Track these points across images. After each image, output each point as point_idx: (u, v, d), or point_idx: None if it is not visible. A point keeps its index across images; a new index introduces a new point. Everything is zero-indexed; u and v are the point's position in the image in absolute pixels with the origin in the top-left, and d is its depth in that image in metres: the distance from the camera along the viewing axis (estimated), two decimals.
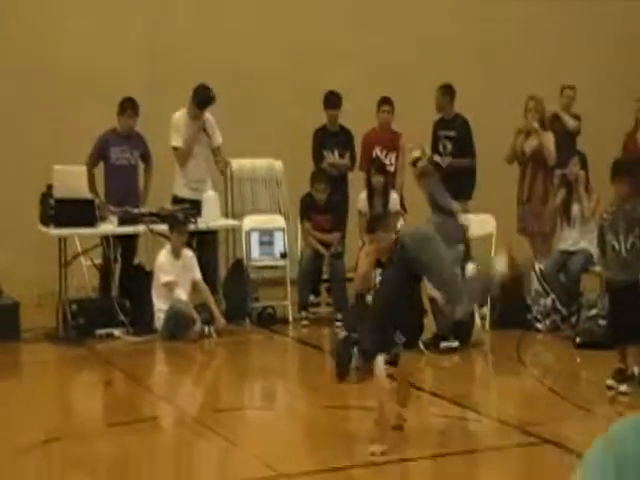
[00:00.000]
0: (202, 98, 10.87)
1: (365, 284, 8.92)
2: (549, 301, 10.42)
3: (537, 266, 10.67)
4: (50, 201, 10.26)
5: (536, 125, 11.27)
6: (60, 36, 11.96)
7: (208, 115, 11.03)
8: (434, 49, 13.26)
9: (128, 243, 10.68)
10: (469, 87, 12.16)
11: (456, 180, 11.39)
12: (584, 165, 10.62)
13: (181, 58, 12.22)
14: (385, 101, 11.73)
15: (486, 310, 10.54)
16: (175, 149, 10.99)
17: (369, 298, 9.18)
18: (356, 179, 11.69)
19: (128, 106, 10.82)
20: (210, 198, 10.91)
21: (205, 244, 10.93)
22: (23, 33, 11.90)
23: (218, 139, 11.13)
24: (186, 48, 12.32)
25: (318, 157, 11.65)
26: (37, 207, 10.46)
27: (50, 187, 10.30)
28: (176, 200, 11.02)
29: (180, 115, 10.99)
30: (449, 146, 11.72)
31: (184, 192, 11.07)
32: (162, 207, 10.77)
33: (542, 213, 11.17)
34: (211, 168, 11.24)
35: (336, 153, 11.69)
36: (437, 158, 11.63)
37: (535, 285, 10.59)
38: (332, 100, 11.60)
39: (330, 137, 11.71)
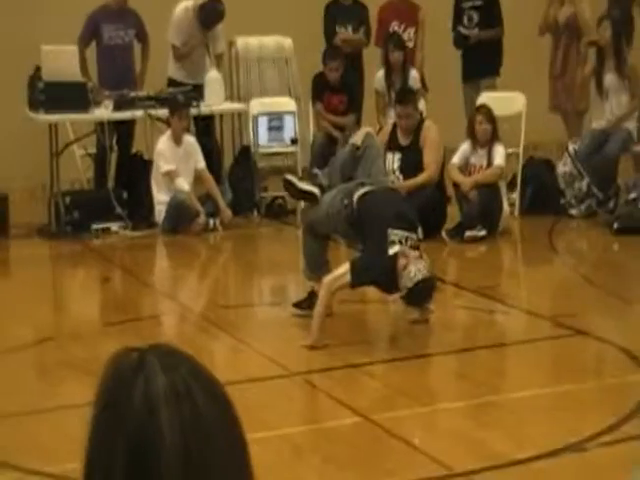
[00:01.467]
0: (209, 16, 10.69)
1: None
2: (584, 185, 10.31)
3: (571, 147, 10.54)
4: (39, 84, 10.17)
5: None
6: None
7: None
8: None
9: (125, 130, 10.60)
10: None
11: (482, 55, 11.26)
12: (617, 29, 10.42)
13: None
14: None
15: (515, 195, 10.45)
16: (173, 47, 10.86)
17: None
18: (372, 56, 11.51)
19: None
20: (213, 79, 10.78)
21: (209, 130, 10.84)
22: None
23: (221, 46, 11.08)
24: None
25: (330, 33, 11.50)
26: (25, 91, 10.34)
27: (38, 69, 10.21)
28: (172, 83, 10.91)
29: (184, 11, 10.80)
30: (475, 17, 11.52)
31: (180, 75, 10.94)
32: (161, 90, 10.68)
33: (577, 88, 11.03)
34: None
35: (350, 28, 11.56)
36: (464, 30, 11.45)
37: (569, 167, 10.47)
38: None
39: (343, 11, 11.57)
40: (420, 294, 6.62)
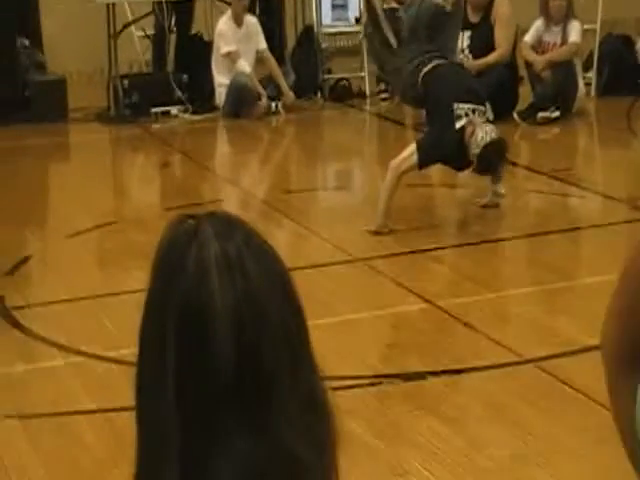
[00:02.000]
0: None
1: None
2: None
3: None
4: None
5: None
6: None
7: None
8: None
9: (184, 9, 10.56)
10: None
11: None
12: None
13: None
14: None
15: (592, 74, 10.27)
16: None
17: None
18: None
19: None
20: None
21: (270, 9, 10.74)
22: None
23: None
24: None
25: None
26: None
27: None
28: None
29: None
30: None
31: None
32: None
33: None
34: None
35: None
36: None
37: None
38: None
39: None
40: (490, 158, 6.56)
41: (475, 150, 6.45)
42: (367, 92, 10.75)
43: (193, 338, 1.43)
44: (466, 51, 9.57)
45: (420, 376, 4.80)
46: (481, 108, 6.64)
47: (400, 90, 7.49)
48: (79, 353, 5.13)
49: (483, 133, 6.45)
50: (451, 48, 7.27)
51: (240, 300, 1.43)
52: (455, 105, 6.60)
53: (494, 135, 6.50)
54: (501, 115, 8.45)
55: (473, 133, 6.46)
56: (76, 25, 10.86)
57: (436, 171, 7.72)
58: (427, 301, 5.74)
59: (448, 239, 6.85)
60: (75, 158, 9.78)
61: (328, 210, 7.92)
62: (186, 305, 1.43)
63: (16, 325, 5.55)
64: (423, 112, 7.43)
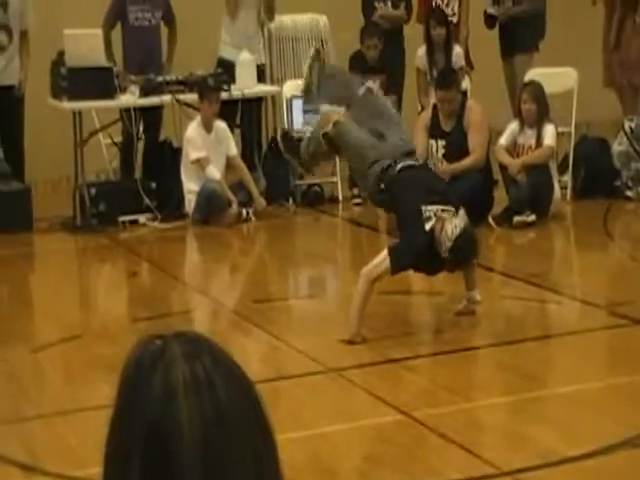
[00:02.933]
0: None
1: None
2: None
3: (627, 124, 10.51)
4: (62, 70, 10.25)
5: None
6: None
7: None
8: None
9: (152, 116, 10.67)
10: None
11: (516, 30, 11.28)
12: None
13: None
14: None
15: (567, 178, 10.43)
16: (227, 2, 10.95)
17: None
18: (412, 33, 11.51)
19: None
20: (245, 61, 10.83)
21: (242, 115, 10.87)
22: None
23: None
24: None
25: (368, 8, 11.53)
26: (47, 78, 10.43)
27: (61, 54, 10.29)
28: (222, 63, 10.97)
29: None
30: None
31: (231, 52, 10.97)
32: (190, 73, 10.70)
33: (633, 62, 10.98)
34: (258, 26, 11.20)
35: (389, 3, 11.56)
36: (490, 10, 11.50)
37: (624, 146, 10.43)
38: None
39: None
40: (463, 248, 6.64)
41: (447, 244, 6.54)
42: (340, 197, 10.85)
43: (158, 464, 1.43)
44: (441, 160, 9.74)
45: None
46: (450, 208, 6.75)
47: (367, 193, 7.67)
48: (44, 474, 5.12)
49: (452, 226, 6.55)
50: (401, 138, 7.38)
51: (208, 425, 1.44)
52: (423, 208, 6.72)
53: (462, 225, 6.60)
54: (476, 219, 8.57)
55: (442, 228, 6.57)
56: (42, 132, 10.91)
57: (410, 278, 7.80)
58: (402, 412, 5.77)
59: (423, 348, 6.92)
60: (40, 268, 9.81)
61: (300, 319, 7.97)
62: (152, 431, 1.44)
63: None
64: (393, 216, 7.57)
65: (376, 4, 11.54)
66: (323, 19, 11.88)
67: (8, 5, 10.51)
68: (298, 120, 11.01)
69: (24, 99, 10.61)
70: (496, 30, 11.64)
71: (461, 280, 7.18)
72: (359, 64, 11.12)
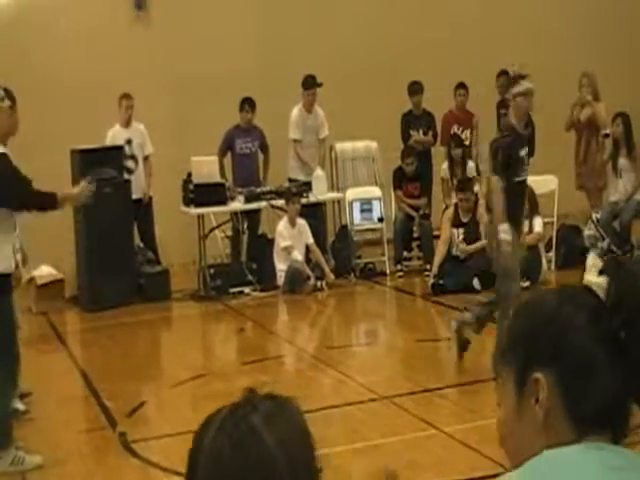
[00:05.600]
0: (307, 80, 10.85)
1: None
2: (605, 244, 10.17)
3: (594, 216, 10.43)
4: (190, 186, 10.35)
5: (589, 97, 11.00)
6: (200, 46, 11.93)
7: (318, 109, 11.00)
8: (500, 40, 12.89)
9: (252, 216, 10.72)
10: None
11: None
12: (627, 124, 10.37)
13: (291, 60, 12.06)
14: (461, 86, 11.62)
15: (551, 254, 10.35)
16: (294, 141, 10.95)
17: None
18: (437, 152, 11.55)
19: (246, 104, 10.89)
20: (319, 176, 10.89)
21: (316, 214, 10.92)
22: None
23: (324, 131, 11.09)
24: (296, 51, 12.18)
25: (406, 136, 11.58)
26: (180, 191, 10.53)
27: (190, 174, 10.39)
28: (291, 181, 10.98)
29: (296, 111, 10.96)
30: None
31: (297, 174, 11.04)
32: (280, 185, 10.77)
33: (597, 171, 10.93)
34: (319, 154, 11.17)
35: (421, 132, 11.60)
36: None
37: (593, 231, 10.34)
38: (415, 88, 11.52)
39: (415, 119, 11.62)
40: None
41: None
42: (387, 271, 10.78)
43: None
44: (462, 241, 9.75)
45: None
46: None
47: None
48: (176, 474, 5.15)
49: None
50: None
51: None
52: None
53: None
54: (487, 286, 8.52)
55: None
56: (176, 230, 11.00)
57: (441, 327, 7.71)
58: (435, 428, 5.73)
59: (446, 379, 6.85)
60: (176, 327, 9.81)
61: (360, 360, 7.93)
62: None
63: (134, 455, 5.59)
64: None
65: (411, 132, 11.59)
66: (374, 144, 11.92)
67: (132, 140, 10.67)
68: (357, 217, 11.06)
69: (152, 206, 10.62)
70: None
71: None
72: (400, 176, 11.18)
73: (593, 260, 9.66)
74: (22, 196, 5.47)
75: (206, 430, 1.40)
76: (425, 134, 11.59)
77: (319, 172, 10.90)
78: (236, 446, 1.36)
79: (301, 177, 10.95)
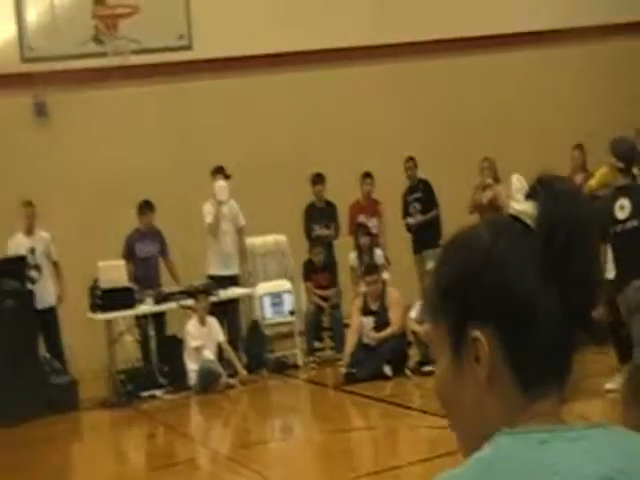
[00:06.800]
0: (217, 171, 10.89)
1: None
2: None
3: None
4: (97, 292, 10.16)
5: (490, 180, 11.25)
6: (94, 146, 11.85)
7: (233, 202, 10.97)
8: (404, 127, 13.09)
9: (159, 318, 10.54)
10: (431, 157, 12.11)
11: (424, 233, 11.43)
12: None
13: (200, 153, 12.03)
14: (367, 175, 11.75)
15: None
16: (209, 225, 10.86)
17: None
18: (344, 243, 11.55)
19: (145, 207, 10.81)
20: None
21: (230, 310, 10.79)
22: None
23: (242, 220, 11.07)
24: (203, 141, 12.18)
25: (309, 230, 11.60)
26: (86, 298, 10.30)
27: (96, 280, 10.21)
28: (210, 278, 10.80)
29: (209, 204, 10.91)
30: (417, 205, 11.74)
31: (216, 269, 10.88)
32: (190, 285, 10.60)
33: None
34: (236, 245, 11.08)
35: (323, 225, 11.59)
36: (409, 220, 11.66)
37: None
38: (316, 179, 11.62)
39: (318, 212, 11.66)
40: None
41: None
42: (300, 363, 10.61)
43: None
44: (372, 329, 9.69)
45: None
46: None
47: None
48: None
49: None
50: None
51: None
52: None
53: None
54: (397, 371, 8.48)
55: None
56: (84, 337, 10.65)
57: (353, 417, 7.59)
58: None
59: (359, 469, 6.70)
60: (86, 438, 9.54)
61: (275, 457, 7.75)
62: None
63: None
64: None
65: (313, 225, 11.59)
66: (282, 238, 11.86)
67: (36, 249, 10.36)
68: (268, 311, 10.94)
69: (57, 315, 10.34)
70: (405, 236, 11.73)
71: None
72: (309, 267, 11.16)
73: (518, 183, 9.69)
74: None
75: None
76: (327, 227, 11.59)
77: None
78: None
79: (221, 271, 10.80)
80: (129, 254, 10.77)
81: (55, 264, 10.52)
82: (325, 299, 11.02)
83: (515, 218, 1.26)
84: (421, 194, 11.73)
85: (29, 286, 10.11)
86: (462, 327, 1.24)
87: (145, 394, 9.88)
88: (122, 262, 10.44)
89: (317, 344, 11.06)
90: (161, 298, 10.37)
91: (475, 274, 1.24)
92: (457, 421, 1.27)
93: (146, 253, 10.82)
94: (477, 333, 1.23)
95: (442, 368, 1.27)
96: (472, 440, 1.23)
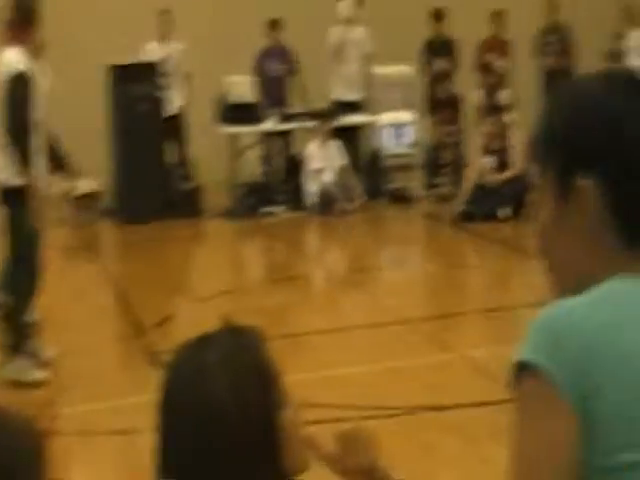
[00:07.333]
0: None
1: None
2: None
3: None
4: (223, 105, 10.29)
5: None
6: None
7: (360, 27, 10.76)
8: None
9: (285, 137, 10.66)
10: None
11: (556, 78, 11.07)
12: None
13: None
14: (496, 13, 11.34)
15: None
16: (333, 48, 10.70)
17: None
18: (468, 80, 11.28)
19: (275, 24, 10.79)
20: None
21: (348, 137, 10.83)
22: None
23: (369, 47, 10.84)
24: None
25: (429, 64, 11.35)
26: (213, 111, 10.47)
27: (223, 94, 10.33)
28: (333, 103, 10.76)
29: (335, 27, 10.73)
30: (552, 49, 11.33)
31: (340, 94, 10.79)
32: (313, 107, 10.64)
33: None
34: (361, 72, 10.93)
35: (443, 60, 11.31)
36: (544, 60, 11.28)
37: None
38: (438, 14, 11.29)
39: (438, 46, 11.36)
40: None
41: None
42: (417, 197, 10.61)
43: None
44: (492, 169, 9.62)
45: None
46: None
47: None
48: None
49: None
50: None
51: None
52: None
53: None
54: (515, 214, 8.41)
55: None
56: (210, 147, 10.89)
57: (469, 252, 7.63)
58: (456, 352, 5.72)
59: (468, 304, 6.80)
60: (207, 244, 9.84)
61: (387, 283, 7.92)
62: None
63: (161, 365, 5.54)
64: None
65: (432, 59, 11.30)
66: (409, 69, 11.58)
67: (168, 57, 10.44)
68: (389, 142, 10.93)
69: (184, 123, 10.54)
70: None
71: None
72: (434, 101, 10.99)
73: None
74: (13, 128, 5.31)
75: (172, 361, 1.39)
76: (447, 61, 11.30)
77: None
78: (186, 384, 1.34)
79: (345, 97, 10.75)
80: (258, 71, 10.80)
81: (187, 75, 10.63)
82: (447, 135, 10.93)
83: (631, 73, 1.26)
84: (557, 37, 11.30)
85: (158, 93, 10.29)
86: (568, 174, 1.23)
87: (264, 210, 10.08)
88: (248, 78, 10.50)
89: (436, 179, 11.06)
90: (285, 117, 10.46)
91: (587, 122, 1.23)
92: (555, 267, 1.27)
93: (274, 71, 10.82)
94: (583, 181, 1.22)
95: (545, 214, 1.26)
96: (567, 286, 1.24)
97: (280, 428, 1.34)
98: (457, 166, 10.72)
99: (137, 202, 9.76)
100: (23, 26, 5.40)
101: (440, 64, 11.35)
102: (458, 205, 9.66)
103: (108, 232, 9.87)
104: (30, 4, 5.48)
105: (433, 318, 6.49)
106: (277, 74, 10.85)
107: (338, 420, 4.55)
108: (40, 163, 5.49)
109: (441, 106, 11.02)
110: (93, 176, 9.88)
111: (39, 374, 5.49)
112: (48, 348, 5.74)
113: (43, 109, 5.48)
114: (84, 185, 9.87)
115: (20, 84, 5.31)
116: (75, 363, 5.69)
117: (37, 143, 5.45)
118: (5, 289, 5.51)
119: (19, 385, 5.37)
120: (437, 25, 11.33)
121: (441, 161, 11.01)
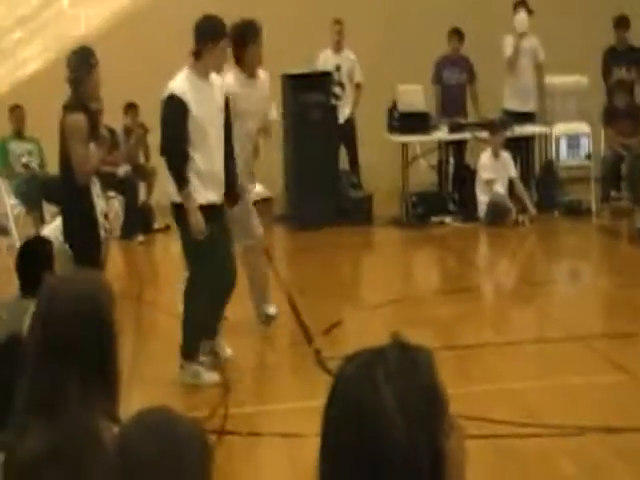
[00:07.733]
0: None
1: None
2: None
3: None
4: (395, 114, 10.31)
5: None
6: None
7: (533, 37, 10.58)
8: None
9: (458, 147, 10.57)
10: None
11: None
12: None
13: None
14: None
15: None
16: (508, 58, 10.57)
17: None
18: None
19: (455, 34, 10.70)
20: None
21: (521, 148, 10.63)
22: None
23: (542, 56, 10.63)
24: None
25: (608, 73, 10.99)
26: (385, 119, 10.48)
27: (395, 102, 10.34)
28: (506, 113, 10.62)
29: (509, 37, 10.61)
30: None
31: (513, 104, 10.64)
32: (484, 117, 10.53)
33: None
34: (534, 82, 10.72)
35: (624, 69, 10.95)
36: None
37: None
38: (622, 22, 10.91)
39: (619, 54, 11.00)
40: None
41: None
42: (593, 210, 10.32)
43: None
44: None
45: None
46: None
47: None
48: None
49: None
50: None
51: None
52: None
53: None
54: None
55: None
56: (381, 157, 10.93)
57: None
58: (627, 373, 5.52)
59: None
60: (377, 251, 9.83)
61: (559, 299, 7.71)
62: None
63: (328, 371, 5.57)
64: None
65: (614, 68, 10.97)
66: (585, 79, 11.30)
67: (341, 66, 10.63)
68: (564, 153, 10.67)
69: (355, 131, 10.67)
70: None
71: None
72: (611, 112, 10.65)
73: None
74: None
75: (339, 372, 1.38)
76: (628, 70, 10.93)
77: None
78: (352, 398, 1.33)
79: (518, 107, 10.60)
80: (437, 79, 10.78)
81: (358, 85, 10.72)
82: (626, 147, 10.55)
83: None
84: None
85: (332, 101, 10.42)
86: None
87: (435, 219, 10.03)
88: (419, 87, 10.47)
89: (613, 193, 10.67)
90: (456, 127, 10.37)
91: None
92: None
93: (453, 80, 10.77)
94: None
95: None
96: None
97: (446, 456, 1.31)
98: (636, 180, 10.31)
99: (309, 209, 9.91)
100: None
101: (621, 72, 10.98)
102: (639, 220, 9.27)
103: (280, 238, 10.05)
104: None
105: (606, 337, 6.27)
106: (456, 82, 10.79)
107: (503, 436, 4.46)
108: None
109: (620, 116, 10.63)
110: (266, 183, 10.13)
111: (213, 377, 5.63)
112: (226, 349, 5.90)
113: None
114: (258, 192, 10.12)
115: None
116: (246, 365, 5.82)
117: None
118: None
119: (195, 387, 5.53)
120: (619, 32, 10.95)
121: (619, 174, 10.63)
